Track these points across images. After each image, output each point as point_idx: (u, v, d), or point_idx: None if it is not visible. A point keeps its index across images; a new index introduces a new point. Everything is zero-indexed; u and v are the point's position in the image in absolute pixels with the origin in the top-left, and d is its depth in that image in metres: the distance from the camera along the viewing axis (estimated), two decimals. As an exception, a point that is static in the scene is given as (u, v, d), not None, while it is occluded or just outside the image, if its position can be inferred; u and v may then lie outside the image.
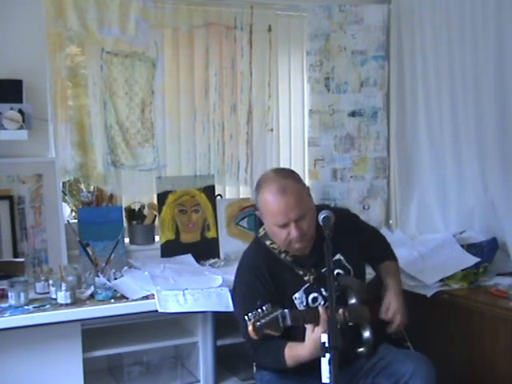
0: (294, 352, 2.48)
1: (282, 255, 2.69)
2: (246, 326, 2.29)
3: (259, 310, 2.29)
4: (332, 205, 3.84)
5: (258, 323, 2.26)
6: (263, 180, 2.65)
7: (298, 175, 2.69)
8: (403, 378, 2.54)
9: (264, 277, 2.62)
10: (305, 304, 2.64)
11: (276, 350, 2.51)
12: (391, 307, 2.74)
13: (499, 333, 2.93)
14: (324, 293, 2.65)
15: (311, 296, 2.65)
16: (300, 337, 2.46)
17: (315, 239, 2.68)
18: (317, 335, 2.37)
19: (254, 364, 2.81)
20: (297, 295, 2.64)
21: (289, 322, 2.32)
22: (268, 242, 2.72)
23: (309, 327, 2.43)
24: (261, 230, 2.79)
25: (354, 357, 2.64)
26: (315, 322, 2.40)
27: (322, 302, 2.64)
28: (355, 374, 2.67)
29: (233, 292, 2.79)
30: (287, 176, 2.64)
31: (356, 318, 2.60)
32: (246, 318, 2.30)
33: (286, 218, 2.54)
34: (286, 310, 2.33)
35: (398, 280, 2.88)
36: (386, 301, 2.77)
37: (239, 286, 2.72)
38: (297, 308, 2.62)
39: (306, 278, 2.66)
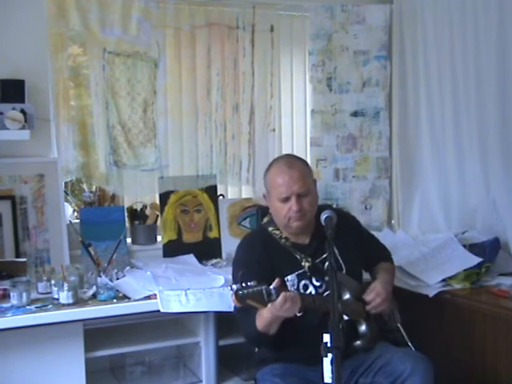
0: (261, 312, 2.50)
1: (282, 240, 2.76)
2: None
3: (243, 284, 2.33)
4: (334, 205, 3.84)
5: (241, 292, 2.30)
6: (273, 161, 2.84)
7: (307, 163, 2.84)
8: (401, 376, 2.55)
9: (260, 256, 2.70)
10: (296, 288, 2.69)
11: (252, 317, 2.55)
12: (375, 289, 2.75)
13: (501, 333, 2.93)
14: (315, 282, 2.71)
15: (302, 282, 2.71)
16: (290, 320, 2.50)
17: (314, 231, 2.77)
18: (285, 298, 2.38)
19: (256, 362, 2.82)
20: (289, 277, 2.70)
21: (274, 298, 2.36)
22: (270, 228, 2.80)
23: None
24: (265, 218, 2.89)
25: (352, 351, 2.65)
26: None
27: (313, 291, 2.69)
28: (354, 371, 2.68)
29: (232, 271, 2.82)
30: (296, 158, 2.84)
31: (351, 312, 2.62)
32: (230, 287, 2.36)
33: (289, 190, 2.65)
34: (271, 287, 2.37)
35: (390, 277, 2.91)
36: (372, 284, 2.79)
37: (236, 265, 2.78)
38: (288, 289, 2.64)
39: (302, 264, 2.72)
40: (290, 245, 2.75)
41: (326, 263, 2.71)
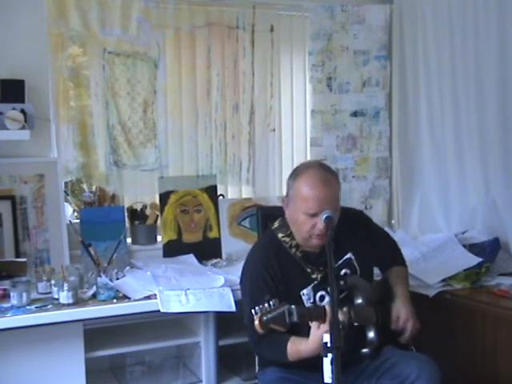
0: (298, 347, 2.47)
1: (293, 250, 2.69)
2: (252, 319, 2.29)
3: (266, 305, 2.29)
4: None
5: (265, 318, 2.26)
6: (306, 167, 2.66)
7: (338, 177, 2.70)
8: (408, 380, 2.52)
9: (273, 269, 2.62)
10: (312, 301, 2.64)
11: (279, 344, 2.51)
12: (401, 316, 2.71)
13: (501, 333, 2.93)
14: None
15: (319, 294, 2.65)
16: (305, 333, 2.46)
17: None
18: (321, 333, 2.37)
19: (257, 363, 2.81)
20: (305, 291, 2.64)
21: (295, 318, 2.31)
22: (280, 235, 2.72)
23: (314, 324, 2.42)
24: (276, 222, 2.79)
25: (358, 358, 2.63)
26: (321, 320, 2.40)
27: (329, 301, 2.62)
28: (359, 374, 2.65)
29: (240, 281, 2.76)
30: (333, 174, 2.67)
31: (361, 318, 2.60)
32: (252, 311, 2.29)
33: (318, 208, 2.53)
34: (292, 307, 2.32)
35: (407, 286, 2.87)
36: (395, 310, 2.74)
37: (248, 276, 2.70)
38: (304, 304, 2.61)
39: (313, 276, 2.66)
40: (301, 255, 2.68)
41: (343, 270, 2.71)
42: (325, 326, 2.37)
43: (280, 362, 2.58)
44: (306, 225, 2.58)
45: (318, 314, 2.42)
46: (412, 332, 2.72)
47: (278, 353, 2.52)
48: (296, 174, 2.64)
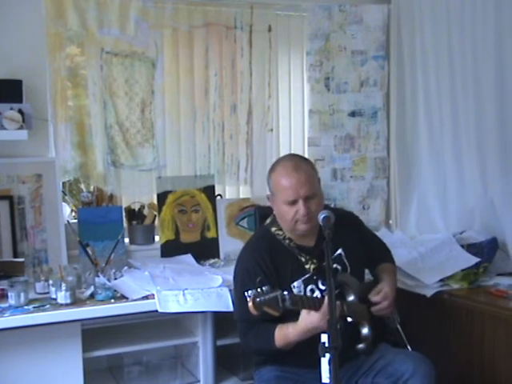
0: (285, 331, 2.51)
1: (287, 241, 2.71)
2: (244, 305, 2.32)
3: (259, 290, 2.31)
4: (332, 205, 3.84)
5: (258, 299, 2.28)
6: (278, 161, 2.78)
7: (312, 164, 2.81)
8: (403, 378, 2.54)
9: (265, 263, 2.65)
10: (302, 294, 2.65)
11: (266, 331, 2.54)
12: (383, 291, 2.73)
13: (499, 333, 2.93)
14: (321, 286, 2.67)
15: (309, 287, 2.67)
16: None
17: (319, 233, 2.70)
18: (312, 318, 2.41)
19: (254, 363, 2.81)
20: (295, 284, 2.66)
21: (288, 303, 2.33)
22: (273, 229, 2.75)
23: (305, 310, 2.45)
24: (267, 219, 2.83)
25: (354, 354, 2.64)
26: (314, 309, 2.43)
27: (319, 295, 2.65)
28: (354, 372, 2.67)
29: (234, 278, 2.78)
30: (302, 159, 2.78)
31: (354, 314, 2.61)
32: (246, 294, 2.31)
33: (296, 194, 2.60)
34: (285, 292, 2.34)
35: (394, 279, 2.89)
36: (380, 286, 2.77)
37: (240, 270, 2.73)
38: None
39: (306, 267, 2.68)
40: (295, 246, 2.71)
41: (334, 265, 2.71)
42: (317, 313, 2.39)
43: (268, 350, 2.59)
44: (289, 214, 2.64)
45: (311, 302, 2.45)
46: (382, 310, 2.73)
47: (266, 340, 2.55)
48: (271, 170, 2.74)
